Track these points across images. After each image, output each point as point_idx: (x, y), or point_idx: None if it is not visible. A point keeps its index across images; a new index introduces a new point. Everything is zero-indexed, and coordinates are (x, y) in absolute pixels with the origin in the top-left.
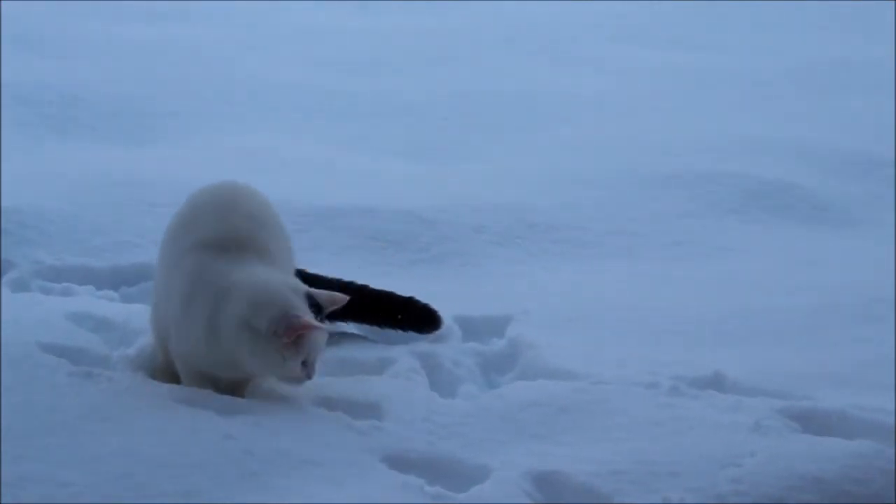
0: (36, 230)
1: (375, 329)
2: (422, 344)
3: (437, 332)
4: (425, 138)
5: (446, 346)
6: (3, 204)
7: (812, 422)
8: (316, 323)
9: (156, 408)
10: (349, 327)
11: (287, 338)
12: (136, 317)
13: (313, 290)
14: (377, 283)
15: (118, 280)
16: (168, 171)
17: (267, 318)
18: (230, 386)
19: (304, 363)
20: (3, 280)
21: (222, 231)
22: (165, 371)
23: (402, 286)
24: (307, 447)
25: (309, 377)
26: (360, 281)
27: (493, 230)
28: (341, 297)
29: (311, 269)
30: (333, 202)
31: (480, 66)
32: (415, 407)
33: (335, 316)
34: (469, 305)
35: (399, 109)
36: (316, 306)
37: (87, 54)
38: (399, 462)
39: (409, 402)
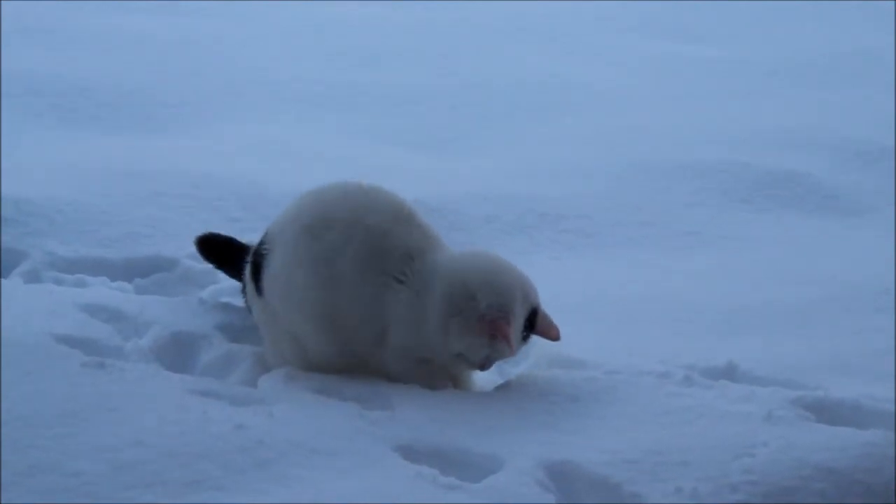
0: (46, 220)
1: None
2: None
3: None
4: (434, 129)
5: None
6: (15, 195)
7: (824, 412)
8: (511, 343)
9: (168, 398)
10: None
11: (487, 326)
12: (149, 308)
13: (542, 311)
14: None
15: (132, 271)
16: (177, 161)
17: (489, 299)
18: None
19: (487, 357)
20: (17, 271)
21: (419, 237)
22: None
23: None
24: (320, 437)
25: (482, 369)
26: None
27: (504, 220)
28: (557, 335)
29: None
30: None
31: (490, 57)
32: (427, 397)
33: None
34: None
35: (408, 100)
36: (531, 323)
37: (98, 45)
38: (411, 452)
39: (420, 393)
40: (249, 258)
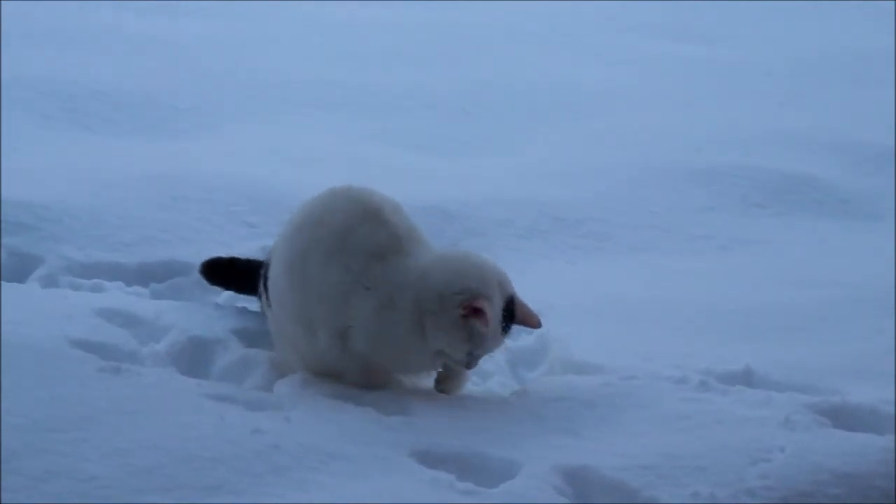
0: (62, 225)
1: None
2: None
3: None
4: (447, 132)
5: None
6: (29, 199)
7: (841, 417)
8: (489, 317)
9: (184, 402)
10: None
11: (463, 309)
12: (165, 313)
13: (518, 299)
14: None
15: (147, 276)
16: (190, 165)
17: (460, 285)
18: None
19: (470, 353)
20: (33, 276)
21: (385, 237)
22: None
23: None
24: (336, 442)
25: (469, 367)
26: None
27: (519, 224)
28: (537, 322)
29: None
30: None
31: (502, 60)
32: (443, 402)
33: None
34: None
35: (421, 103)
36: (510, 313)
37: (109, 48)
38: (428, 457)
39: (437, 398)
40: (264, 266)
